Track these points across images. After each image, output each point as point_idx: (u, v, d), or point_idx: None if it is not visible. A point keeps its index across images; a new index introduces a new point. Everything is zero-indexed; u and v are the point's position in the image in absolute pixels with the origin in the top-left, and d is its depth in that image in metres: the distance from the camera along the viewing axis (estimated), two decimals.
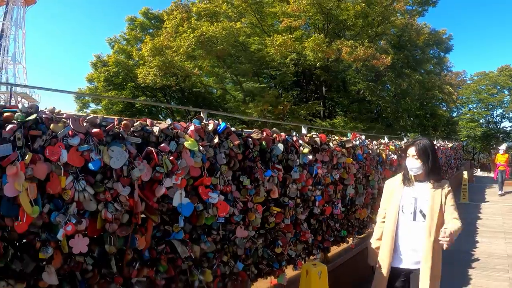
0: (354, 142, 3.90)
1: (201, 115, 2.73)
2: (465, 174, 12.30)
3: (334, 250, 4.06)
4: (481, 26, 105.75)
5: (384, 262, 2.64)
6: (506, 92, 35.78)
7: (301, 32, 16.16)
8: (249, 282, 2.57)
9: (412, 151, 2.57)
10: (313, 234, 3.25)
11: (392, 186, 2.73)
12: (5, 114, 1.45)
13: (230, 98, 18.42)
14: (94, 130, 1.63)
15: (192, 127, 1.98)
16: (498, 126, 37.21)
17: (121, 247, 1.73)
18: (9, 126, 1.42)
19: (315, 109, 15.38)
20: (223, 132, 2.20)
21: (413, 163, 2.56)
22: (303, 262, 3.17)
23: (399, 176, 2.73)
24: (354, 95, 18.29)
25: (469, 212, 9.43)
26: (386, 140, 6.35)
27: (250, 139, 2.38)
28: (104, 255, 1.73)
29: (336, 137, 3.77)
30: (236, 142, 2.22)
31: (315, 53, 12.60)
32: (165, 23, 16.84)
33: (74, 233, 1.57)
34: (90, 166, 1.55)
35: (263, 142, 2.48)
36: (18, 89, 45.42)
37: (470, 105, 37.93)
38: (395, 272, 2.61)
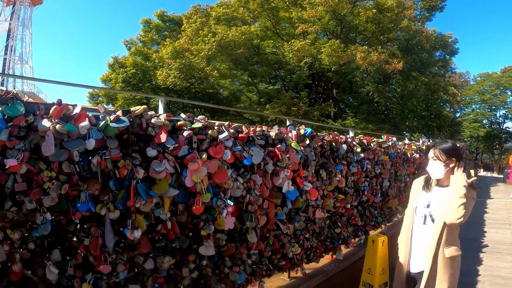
0: (388, 143, 4.64)
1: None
2: (472, 172, 13.05)
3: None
4: (485, 28, 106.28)
5: (401, 265, 2.62)
6: (509, 93, 36.27)
7: (314, 36, 16.86)
8: (322, 254, 3.32)
9: (431, 153, 2.51)
10: (360, 218, 4.00)
11: (415, 187, 2.68)
12: (179, 123, 1.99)
13: (246, 99, 19.16)
14: (241, 135, 2.33)
15: (294, 132, 2.71)
16: (501, 127, 37.75)
17: (255, 225, 2.39)
18: (186, 132, 1.97)
19: (328, 110, 16.12)
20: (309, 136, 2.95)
21: (433, 165, 2.49)
22: (352, 241, 3.92)
23: (423, 178, 2.68)
24: (364, 97, 19.01)
25: (476, 207, 10.16)
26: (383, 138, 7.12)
27: (325, 141, 3.12)
28: (233, 231, 2.36)
29: (375, 139, 4.51)
30: (319, 143, 2.96)
31: (330, 58, 13.33)
32: (183, 26, 17.55)
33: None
34: (245, 162, 2.23)
35: (333, 143, 3.22)
36: (26, 88, 46.10)
37: (473, 106, 38.46)
38: (410, 276, 2.58)
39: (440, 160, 2.43)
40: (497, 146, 38.88)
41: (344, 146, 3.32)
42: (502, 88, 36.24)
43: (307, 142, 2.82)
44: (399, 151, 5.08)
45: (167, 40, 17.04)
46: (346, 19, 14.58)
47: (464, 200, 2.23)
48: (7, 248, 1.48)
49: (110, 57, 21.72)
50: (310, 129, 2.92)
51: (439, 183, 2.52)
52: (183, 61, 14.68)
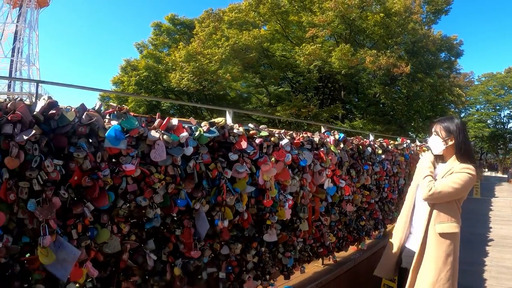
0: (403, 145, 5.12)
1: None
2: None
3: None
4: (489, 28, 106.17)
5: (395, 239, 2.60)
6: None
7: (322, 39, 17.34)
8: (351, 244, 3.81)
9: (434, 128, 2.48)
10: (380, 213, 4.48)
11: (421, 163, 2.58)
12: (251, 132, 2.42)
13: (257, 101, 19.69)
14: (295, 141, 2.80)
15: (332, 137, 3.20)
16: (506, 127, 38.04)
17: (306, 216, 2.87)
18: (258, 140, 2.41)
19: (336, 112, 16.62)
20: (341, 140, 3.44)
21: (433, 140, 2.45)
22: (374, 233, 4.41)
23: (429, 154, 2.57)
24: (371, 98, 19.47)
25: (482, 205, 10.69)
26: (399, 140, 7.59)
27: (354, 144, 3.60)
28: (284, 221, 2.80)
29: (392, 141, 4.99)
30: (350, 147, 3.45)
31: (340, 61, 13.82)
32: (195, 30, 18.09)
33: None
34: (301, 163, 2.70)
35: (360, 146, 3.70)
36: (33, 90, 46.76)
37: (477, 106, 38.80)
38: (405, 251, 2.56)
39: (440, 136, 2.42)
40: (501, 146, 39.15)
41: (369, 149, 3.81)
42: (506, 88, 36.52)
43: (341, 145, 3.31)
44: (412, 152, 5.55)
45: (180, 43, 17.59)
46: (355, 23, 15.06)
47: (429, 178, 2.31)
48: (119, 240, 1.74)
49: (122, 60, 22.33)
50: (343, 134, 3.40)
51: (443, 160, 2.47)
52: (197, 64, 15.20)
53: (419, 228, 2.44)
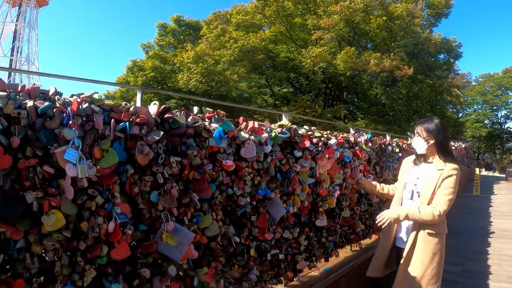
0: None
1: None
2: (477, 170, 14.06)
3: None
4: (486, 29, 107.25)
5: (385, 239, 2.81)
6: (511, 94, 37.14)
7: (325, 41, 17.86)
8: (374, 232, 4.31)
9: (416, 129, 2.65)
10: None
11: (405, 164, 2.81)
12: (309, 133, 2.99)
13: (262, 101, 20.20)
14: (339, 140, 3.27)
15: (363, 138, 3.70)
16: (503, 127, 38.68)
17: (348, 205, 3.37)
18: (315, 139, 2.86)
19: (340, 112, 17.17)
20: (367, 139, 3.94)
21: (416, 141, 2.63)
22: None
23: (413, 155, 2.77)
24: (372, 99, 20.02)
25: (482, 202, 11.29)
26: (410, 140, 8.15)
27: (378, 143, 4.11)
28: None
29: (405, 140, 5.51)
30: (376, 146, 3.95)
31: (345, 64, 14.35)
32: (202, 31, 18.55)
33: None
34: (346, 159, 3.19)
35: (382, 145, 4.21)
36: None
37: (475, 106, 39.41)
38: (397, 250, 2.73)
39: (421, 137, 2.59)
40: (498, 146, 39.82)
41: (390, 147, 4.32)
42: (503, 88, 37.09)
43: (369, 144, 3.81)
44: None
45: (188, 45, 18.05)
46: (359, 26, 15.61)
47: (420, 209, 2.43)
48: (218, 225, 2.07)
49: (129, 60, 22.71)
50: (370, 135, 3.90)
51: (426, 159, 2.63)
52: (205, 65, 15.67)
53: (408, 228, 2.61)
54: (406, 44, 17.41)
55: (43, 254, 1.43)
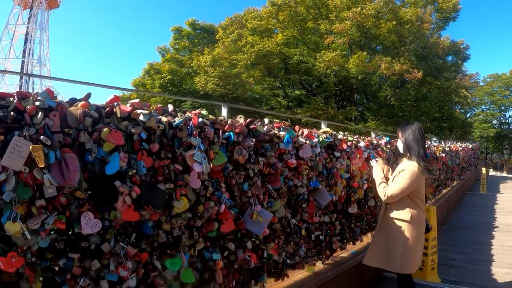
0: (425, 145, 6.33)
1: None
2: (484, 169, 14.64)
3: None
4: (494, 29, 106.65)
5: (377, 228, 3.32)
6: None
7: (337, 44, 18.53)
8: None
9: (398, 134, 3.18)
10: None
11: (374, 169, 3.37)
12: (344, 137, 3.77)
13: (276, 103, 20.96)
14: (366, 143, 3.99)
15: (384, 140, 4.42)
16: (511, 127, 38.82)
17: (373, 196, 4.10)
18: (349, 142, 3.60)
19: (351, 114, 17.86)
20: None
21: (398, 143, 3.21)
22: None
23: None
24: (382, 101, 20.63)
25: (487, 200, 11.92)
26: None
27: (395, 145, 4.82)
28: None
29: None
30: (393, 147, 4.66)
31: (358, 67, 15.03)
32: (218, 35, 19.34)
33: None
34: (372, 157, 3.92)
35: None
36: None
37: (483, 107, 39.57)
38: None
39: (399, 138, 3.14)
40: (506, 146, 39.97)
41: None
42: (511, 89, 37.33)
43: (388, 146, 4.52)
44: (432, 151, 6.77)
45: (205, 48, 18.85)
46: (370, 31, 16.27)
47: (382, 185, 3.06)
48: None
49: (145, 63, 23.55)
50: (389, 138, 4.62)
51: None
52: (223, 69, 16.45)
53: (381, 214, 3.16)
54: (416, 48, 18.01)
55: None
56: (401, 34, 15.85)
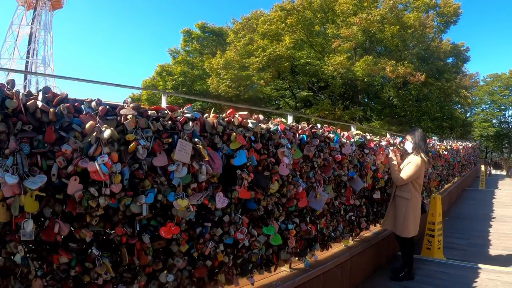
0: (430, 144, 7.21)
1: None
2: (482, 167, 15.54)
3: None
4: (494, 30, 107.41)
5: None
6: None
7: (343, 47, 19.40)
8: None
9: (406, 137, 4.64)
10: None
11: (391, 160, 4.61)
12: (370, 137, 4.67)
13: (284, 104, 21.85)
14: (386, 142, 4.88)
15: (398, 140, 5.30)
16: (510, 126, 39.47)
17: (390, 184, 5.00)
18: (375, 142, 4.54)
19: (356, 114, 18.74)
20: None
21: (406, 144, 4.55)
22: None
23: None
24: (385, 101, 21.50)
25: (486, 194, 12.85)
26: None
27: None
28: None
29: None
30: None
31: (364, 70, 15.90)
32: (229, 38, 20.18)
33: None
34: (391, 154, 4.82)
35: None
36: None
37: (483, 106, 40.16)
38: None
39: (410, 141, 4.49)
40: (506, 145, 40.66)
41: None
42: (511, 88, 37.80)
43: (401, 144, 5.41)
44: (436, 149, 7.65)
45: (218, 51, 19.71)
46: (375, 36, 17.13)
47: (396, 172, 4.41)
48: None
49: (156, 65, 24.36)
50: (401, 138, 5.49)
51: (409, 154, 4.49)
52: (235, 71, 17.32)
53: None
54: (418, 51, 18.85)
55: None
56: (404, 38, 16.71)
